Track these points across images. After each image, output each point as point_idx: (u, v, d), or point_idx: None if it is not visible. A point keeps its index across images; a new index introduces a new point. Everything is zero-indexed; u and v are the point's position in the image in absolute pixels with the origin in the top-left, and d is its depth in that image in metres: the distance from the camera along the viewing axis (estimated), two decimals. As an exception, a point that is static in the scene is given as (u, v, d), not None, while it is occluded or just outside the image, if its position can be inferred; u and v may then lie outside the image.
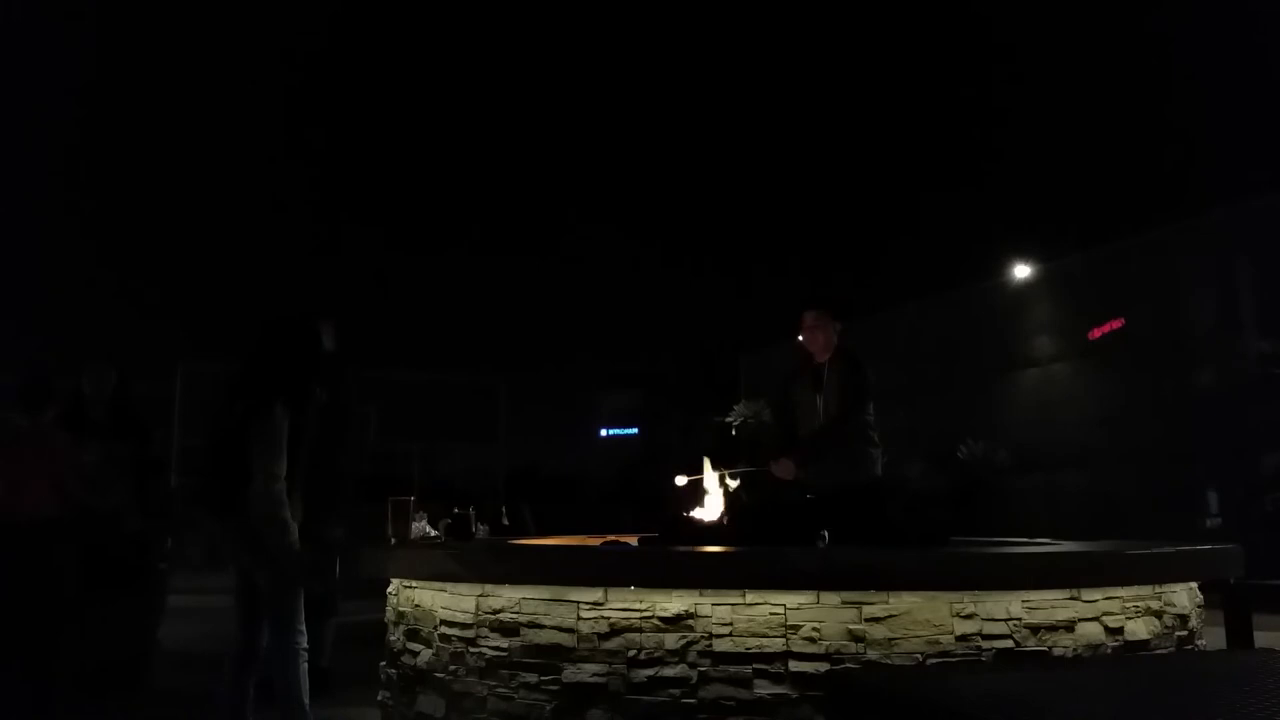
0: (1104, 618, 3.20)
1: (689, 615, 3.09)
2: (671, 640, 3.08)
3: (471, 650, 3.41)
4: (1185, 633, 3.43)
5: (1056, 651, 3.09)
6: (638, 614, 3.13)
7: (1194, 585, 3.58)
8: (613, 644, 3.13)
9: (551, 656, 3.20)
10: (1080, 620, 3.16)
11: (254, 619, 3.49)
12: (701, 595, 3.10)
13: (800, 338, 4.73)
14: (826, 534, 3.74)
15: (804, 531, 3.76)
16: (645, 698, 3.05)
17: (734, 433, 14.40)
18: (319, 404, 3.58)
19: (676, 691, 3.04)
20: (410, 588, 3.88)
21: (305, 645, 3.43)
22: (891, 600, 3.05)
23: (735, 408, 14.67)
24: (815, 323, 4.58)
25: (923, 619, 3.04)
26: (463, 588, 3.51)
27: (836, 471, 4.40)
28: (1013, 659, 3.02)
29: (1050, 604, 3.14)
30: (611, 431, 29.83)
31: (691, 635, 3.08)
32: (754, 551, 3.44)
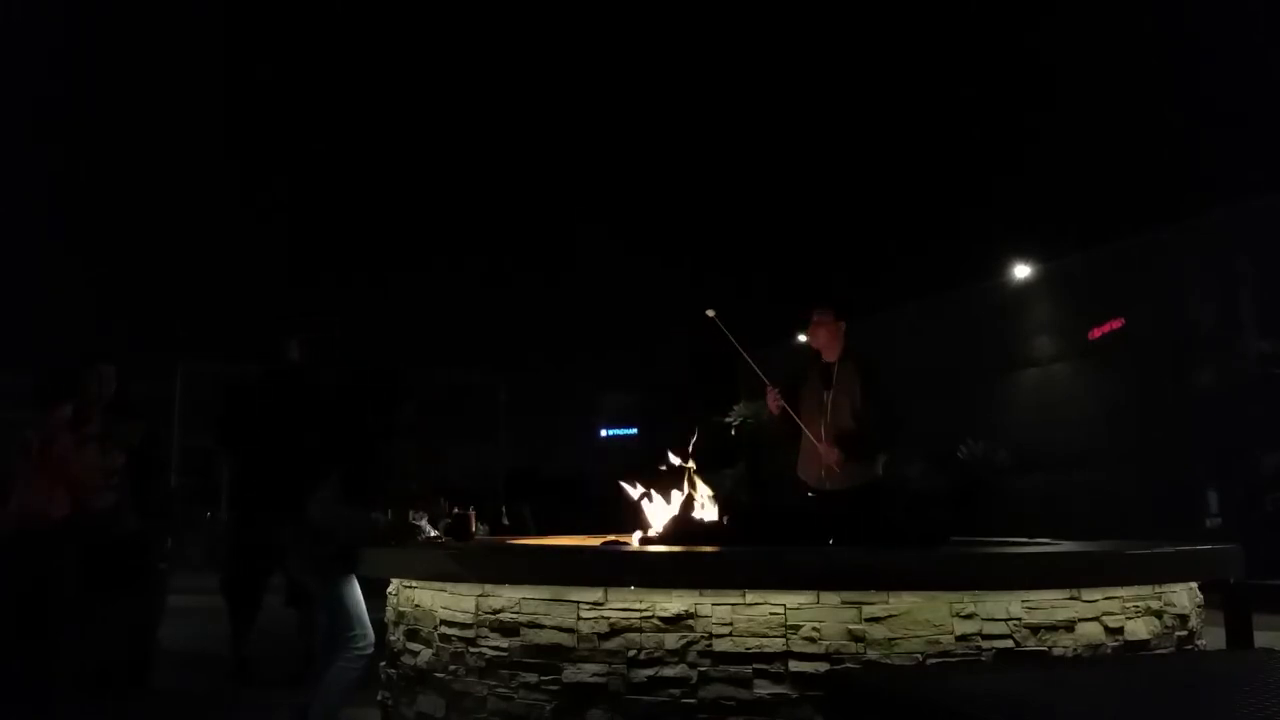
0: (1104, 618, 3.20)
1: (689, 615, 3.09)
2: (671, 640, 3.08)
3: (471, 650, 3.41)
4: (1185, 633, 3.43)
5: (1056, 651, 3.09)
6: (638, 614, 3.13)
7: (1194, 585, 3.58)
8: (613, 644, 3.13)
9: (551, 656, 3.20)
10: (1080, 620, 3.16)
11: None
12: (701, 595, 3.10)
13: (803, 336, 4.85)
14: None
15: (805, 531, 3.77)
16: (645, 698, 3.05)
17: (733, 433, 14.40)
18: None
19: (676, 691, 3.04)
20: (410, 588, 3.88)
21: (361, 648, 3.70)
22: (891, 600, 3.05)
23: (735, 408, 14.66)
24: (819, 321, 4.72)
25: (923, 619, 3.04)
26: (463, 588, 3.51)
27: (847, 472, 4.50)
28: (1013, 659, 3.02)
29: (1050, 604, 3.14)
30: (611, 431, 29.75)
31: (691, 635, 3.07)
32: (754, 551, 3.44)
